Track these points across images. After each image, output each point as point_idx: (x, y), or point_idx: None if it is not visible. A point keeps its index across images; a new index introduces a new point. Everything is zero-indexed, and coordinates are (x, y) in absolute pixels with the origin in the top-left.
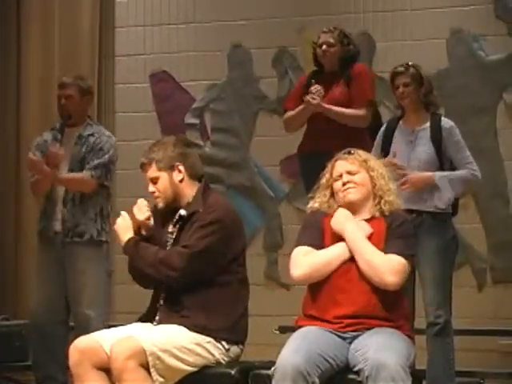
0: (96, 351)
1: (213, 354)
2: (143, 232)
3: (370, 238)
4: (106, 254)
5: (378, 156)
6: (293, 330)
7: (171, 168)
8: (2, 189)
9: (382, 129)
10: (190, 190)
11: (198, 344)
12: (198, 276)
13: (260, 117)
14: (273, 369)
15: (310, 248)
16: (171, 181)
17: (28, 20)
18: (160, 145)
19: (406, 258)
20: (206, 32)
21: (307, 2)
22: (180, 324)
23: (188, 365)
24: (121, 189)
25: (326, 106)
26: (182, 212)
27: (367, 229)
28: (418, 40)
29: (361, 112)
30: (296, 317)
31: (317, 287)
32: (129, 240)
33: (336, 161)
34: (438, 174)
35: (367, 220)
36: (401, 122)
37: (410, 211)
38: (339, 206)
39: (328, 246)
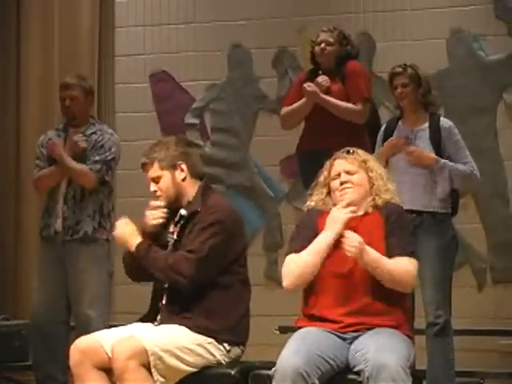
0: (97, 351)
1: (214, 355)
2: (150, 229)
3: (366, 233)
4: (107, 254)
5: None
6: (293, 330)
7: (173, 167)
8: (2, 189)
9: (382, 129)
10: (191, 189)
11: (200, 344)
12: (206, 279)
13: (260, 117)
14: (273, 370)
15: (298, 255)
16: (173, 180)
17: (28, 20)
18: (161, 144)
19: (412, 256)
20: (206, 32)
21: (307, 2)
22: (181, 325)
23: (189, 365)
24: (121, 189)
25: (323, 96)
26: (183, 212)
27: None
28: (417, 40)
29: (355, 107)
30: (296, 317)
31: (315, 288)
32: (139, 244)
33: (335, 159)
34: (443, 161)
35: (361, 216)
36: (400, 123)
37: (410, 211)
38: (334, 205)
39: None
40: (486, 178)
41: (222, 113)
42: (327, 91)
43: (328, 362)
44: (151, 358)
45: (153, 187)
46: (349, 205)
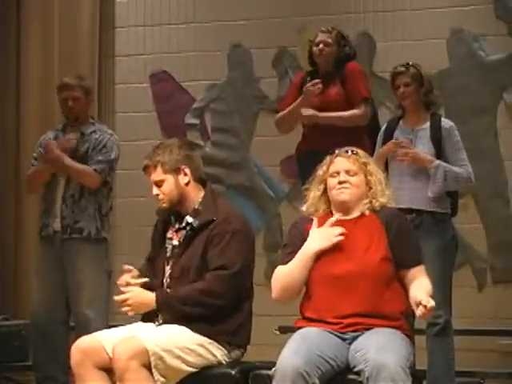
0: (98, 351)
1: (215, 355)
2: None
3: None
4: (106, 253)
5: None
6: (293, 330)
7: (177, 171)
8: (2, 189)
9: (383, 129)
10: (195, 194)
11: (201, 345)
12: (241, 292)
13: (260, 117)
14: (273, 370)
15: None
16: (177, 184)
17: (28, 20)
18: (164, 147)
19: (422, 261)
20: (206, 32)
21: (307, 2)
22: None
23: (190, 365)
24: (121, 189)
25: (323, 115)
26: (190, 219)
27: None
28: (418, 40)
29: (358, 111)
30: (296, 317)
31: (315, 288)
32: (156, 299)
33: (336, 157)
34: (439, 162)
35: (357, 218)
36: (401, 122)
37: (410, 211)
38: (329, 203)
39: None
40: (486, 178)
41: (223, 113)
42: (323, 97)
43: (328, 362)
44: (152, 358)
45: (155, 191)
46: (342, 203)
